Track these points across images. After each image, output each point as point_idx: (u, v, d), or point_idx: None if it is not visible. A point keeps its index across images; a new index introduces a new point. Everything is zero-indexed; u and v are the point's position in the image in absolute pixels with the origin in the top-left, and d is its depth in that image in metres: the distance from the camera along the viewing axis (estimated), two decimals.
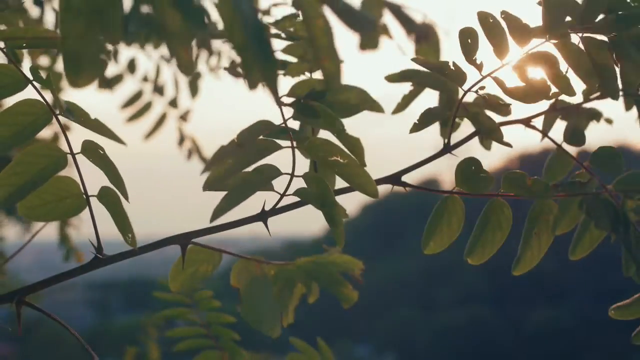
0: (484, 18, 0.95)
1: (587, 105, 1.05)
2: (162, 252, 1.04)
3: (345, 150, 0.90)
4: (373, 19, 0.56)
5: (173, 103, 2.32)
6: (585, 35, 0.96)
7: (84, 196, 0.90)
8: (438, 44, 0.59)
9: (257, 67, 0.52)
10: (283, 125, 0.90)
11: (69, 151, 0.89)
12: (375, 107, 0.92)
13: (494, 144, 1.07)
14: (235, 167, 0.89)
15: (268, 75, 0.52)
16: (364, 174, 0.91)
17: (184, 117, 2.34)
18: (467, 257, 1.00)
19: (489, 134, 1.00)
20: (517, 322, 15.76)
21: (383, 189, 1.01)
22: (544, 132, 1.05)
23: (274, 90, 0.53)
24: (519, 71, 0.96)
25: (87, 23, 0.53)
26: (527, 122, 1.05)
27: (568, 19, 0.96)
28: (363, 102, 0.91)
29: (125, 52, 2.23)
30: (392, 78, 1.03)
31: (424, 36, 0.58)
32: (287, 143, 0.92)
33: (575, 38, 0.96)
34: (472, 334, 15.75)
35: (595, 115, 1.05)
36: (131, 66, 2.26)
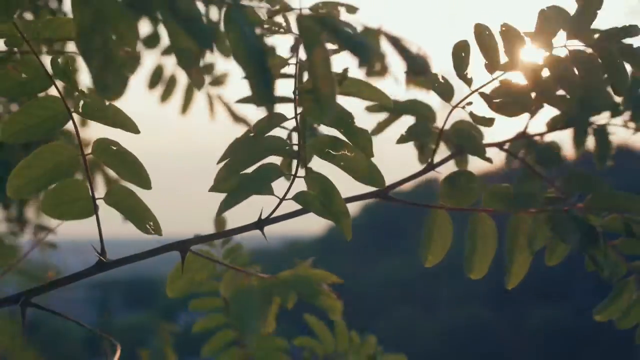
0: (480, 31, 0.98)
1: (552, 134, 1.10)
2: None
3: (351, 144, 0.92)
4: (376, 49, 0.58)
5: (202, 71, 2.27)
6: (573, 48, 1.00)
7: (91, 200, 0.92)
8: (431, 76, 0.62)
9: (257, 90, 0.55)
10: (294, 118, 0.92)
11: (85, 151, 0.92)
12: (384, 99, 0.94)
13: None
14: (244, 163, 0.91)
15: (266, 98, 0.54)
16: (370, 165, 0.93)
17: (218, 82, 2.27)
18: (469, 273, 1.06)
19: (471, 152, 1.04)
20: (517, 322, 15.76)
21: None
22: (515, 155, 1.10)
23: (270, 111, 0.55)
24: (505, 84, 1.00)
25: (101, 36, 0.55)
26: (500, 145, 1.10)
27: (561, 32, 1.00)
28: (373, 94, 0.93)
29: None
30: (372, 109, 1.09)
31: (421, 70, 0.60)
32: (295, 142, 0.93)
33: (563, 52, 1.00)
34: (472, 334, 15.76)
35: (555, 148, 1.09)
36: (151, 41, 2.20)
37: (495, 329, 15.83)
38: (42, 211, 0.93)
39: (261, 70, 0.55)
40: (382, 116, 1.15)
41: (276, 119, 0.92)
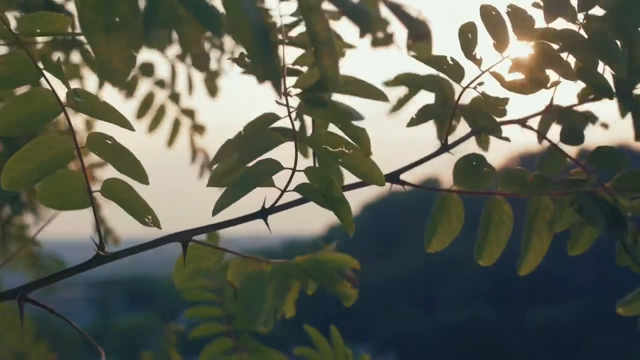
0: (487, 11, 0.96)
1: (583, 107, 1.06)
2: (163, 251, 1.05)
3: (350, 140, 0.90)
4: (378, 16, 0.57)
5: (187, 112, 2.28)
6: (585, 22, 0.97)
7: (87, 191, 0.92)
8: (432, 41, 0.61)
9: (262, 65, 0.54)
10: (288, 117, 0.90)
11: (79, 144, 0.91)
12: (381, 97, 0.93)
13: (493, 143, 1.08)
14: (240, 161, 0.90)
15: (272, 72, 0.54)
16: (369, 162, 0.91)
17: (198, 130, 2.30)
18: (479, 259, 1.02)
19: (488, 131, 1.01)
20: (517, 321, 15.77)
21: (382, 188, 1.03)
22: (540, 133, 1.06)
23: (277, 85, 0.55)
24: (518, 63, 0.97)
25: (104, 18, 0.54)
26: (523, 122, 1.06)
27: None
28: (368, 93, 0.92)
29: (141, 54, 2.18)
30: (389, 83, 1.07)
31: (422, 35, 0.59)
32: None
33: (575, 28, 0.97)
34: (472, 333, 15.76)
35: (591, 118, 1.06)
36: (147, 69, 2.23)
37: (495, 329, 15.82)
38: (40, 202, 0.92)
39: (265, 46, 0.54)
40: (403, 91, 1.12)
41: (267, 119, 0.90)
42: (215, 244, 1.18)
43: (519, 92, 0.98)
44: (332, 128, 0.93)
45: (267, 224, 0.96)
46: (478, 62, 0.98)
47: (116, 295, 20.07)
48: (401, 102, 1.12)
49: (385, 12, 0.60)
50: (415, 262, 17.23)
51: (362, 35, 0.58)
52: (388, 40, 0.59)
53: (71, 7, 1.79)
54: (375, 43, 0.60)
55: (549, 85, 0.97)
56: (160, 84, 2.26)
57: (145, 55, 2.22)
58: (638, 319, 1.06)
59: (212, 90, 2.19)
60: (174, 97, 2.26)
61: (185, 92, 2.27)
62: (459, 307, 16.51)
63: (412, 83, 1.07)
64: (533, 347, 15.25)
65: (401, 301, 17.29)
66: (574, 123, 1.05)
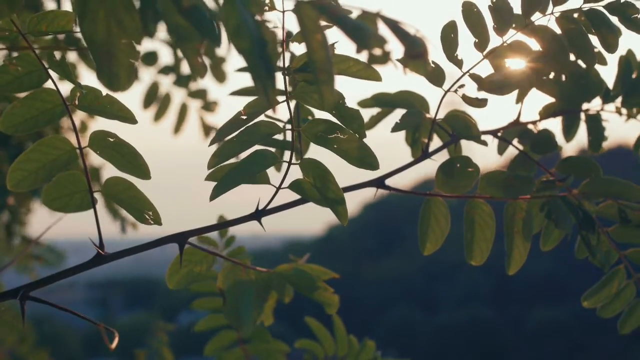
0: (469, 8, 0.98)
1: (545, 122, 1.10)
2: (163, 252, 1.05)
3: (344, 126, 0.91)
4: (376, 34, 0.58)
5: (197, 94, 2.25)
6: (559, 14, 1.00)
7: (89, 192, 0.92)
8: (429, 60, 0.62)
9: (260, 80, 0.54)
10: (286, 101, 0.91)
11: (82, 145, 0.92)
12: (374, 75, 0.93)
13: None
14: (236, 147, 0.90)
15: (270, 94, 0.54)
16: (363, 146, 0.92)
17: (209, 108, 2.27)
18: (469, 260, 1.05)
19: (468, 137, 1.03)
20: (517, 322, 15.76)
21: (381, 190, 1.04)
22: (509, 142, 1.10)
23: (272, 101, 0.55)
24: (497, 62, 1.00)
25: (106, 27, 0.55)
26: (495, 133, 1.10)
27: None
28: (361, 70, 0.92)
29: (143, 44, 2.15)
30: (365, 103, 1.09)
31: (419, 53, 0.60)
32: (288, 129, 0.92)
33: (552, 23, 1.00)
34: (472, 333, 15.75)
35: (549, 136, 1.08)
36: (149, 58, 2.21)
37: (495, 329, 15.82)
38: (43, 204, 0.94)
39: (263, 60, 0.55)
40: (375, 110, 1.14)
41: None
42: (212, 247, 1.19)
43: (496, 93, 1.00)
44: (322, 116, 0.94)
45: (261, 224, 0.96)
46: (459, 64, 1.00)
47: (116, 295, 20.06)
48: (374, 120, 1.14)
49: (382, 29, 0.60)
50: (415, 262, 17.22)
51: (359, 51, 0.59)
52: (385, 57, 0.59)
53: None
54: (372, 60, 0.60)
55: (525, 83, 1.00)
56: (164, 71, 2.23)
57: (147, 44, 2.21)
58: (618, 321, 1.11)
59: (220, 76, 2.16)
60: (180, 82, 2.23)
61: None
62: (458, 308, 16.50)
63: (386, 103, 1.09)
64: (532, 347, 15.24)
65: (401, 301, 17.28)
66: (534, 139, 1.08)
